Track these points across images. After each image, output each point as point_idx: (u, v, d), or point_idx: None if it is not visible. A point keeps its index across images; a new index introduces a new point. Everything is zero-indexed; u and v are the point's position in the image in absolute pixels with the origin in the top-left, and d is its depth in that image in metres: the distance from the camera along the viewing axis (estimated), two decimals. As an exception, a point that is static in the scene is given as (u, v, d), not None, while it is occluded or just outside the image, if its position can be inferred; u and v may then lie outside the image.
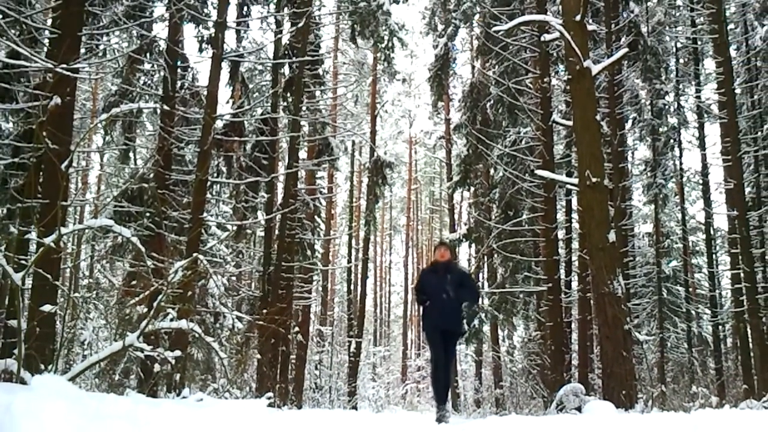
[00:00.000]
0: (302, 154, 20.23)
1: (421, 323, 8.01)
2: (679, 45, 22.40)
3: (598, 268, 9.40)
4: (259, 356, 14.85)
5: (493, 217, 19.18)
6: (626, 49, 13.55)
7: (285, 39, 17.41)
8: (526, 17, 14.00)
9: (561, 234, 18.85)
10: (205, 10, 15.15)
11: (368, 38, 18.92)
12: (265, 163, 16.89)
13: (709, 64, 22.75)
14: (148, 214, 13.48)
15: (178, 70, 14.54)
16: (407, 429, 6.34)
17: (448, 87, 24.34)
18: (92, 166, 28.00)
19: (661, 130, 21.14)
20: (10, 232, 9.90)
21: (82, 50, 11.11)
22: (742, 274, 17.03)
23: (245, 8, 16.51)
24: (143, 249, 6.26)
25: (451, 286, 7.58)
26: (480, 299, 7.74)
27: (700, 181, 23.32)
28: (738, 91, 19.68)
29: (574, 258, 19.70)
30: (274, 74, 18.01)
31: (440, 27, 22.49)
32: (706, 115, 21.95)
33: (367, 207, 24.66)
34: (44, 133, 7.19)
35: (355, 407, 21.71)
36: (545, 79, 16.39)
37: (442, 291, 7.57)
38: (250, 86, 18.46)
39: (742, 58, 20.71)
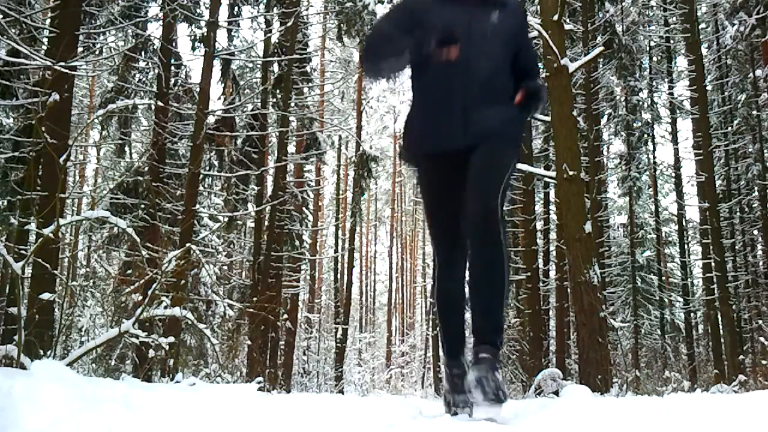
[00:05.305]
0: (291, 148, 20.19)
1: (402, 141, 2.93)
2: (652, 43, 22.36)
3: (574, 257, 9.33)
4: (249, 342, 14.90)
5: (475, 209, 19.20)
6: (602, 48, 13.37)
7: (274, 38, 17.45)
8: (507, 17, 13.99)
9: (539, 225, 18.84)
10: (198, 10, 15.14)
11: (354, 37, 18.55)
12: (255, 156, 17.00)
13: (682, 62, 22.94)
14: (142, 206, 13.39)
15: (172, 68, 14.52)
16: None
17: (432, 83, 24.22)
18: (89, 160, 27.63)
19: (635, 125, 21.13)
20: (10, 223, 9.91)
21: (80, 48, 10.98)
22: (713, 264, 17.23)
23: (236, 8, 16.48)
24: (138, 239, 5.99)
25: (496, 35, 2.74)
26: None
27: (673, 174, 23.33)
28: (709, 87, 19.87)
29: (552, 248, 19.80)
30: (264, 72, 18.06)
31: (424, 26, 22.38)
32: (678, 111, 22.04)
33: (353, 199, 24.66)
34: (43, 128, 6.93)
35: (341, 391, 21.44)
36: (524, 77, 16.56)
37: (472, 42, 2.68)
38: (241, 83, 18.56)
39: (713, 56, 20.84)
